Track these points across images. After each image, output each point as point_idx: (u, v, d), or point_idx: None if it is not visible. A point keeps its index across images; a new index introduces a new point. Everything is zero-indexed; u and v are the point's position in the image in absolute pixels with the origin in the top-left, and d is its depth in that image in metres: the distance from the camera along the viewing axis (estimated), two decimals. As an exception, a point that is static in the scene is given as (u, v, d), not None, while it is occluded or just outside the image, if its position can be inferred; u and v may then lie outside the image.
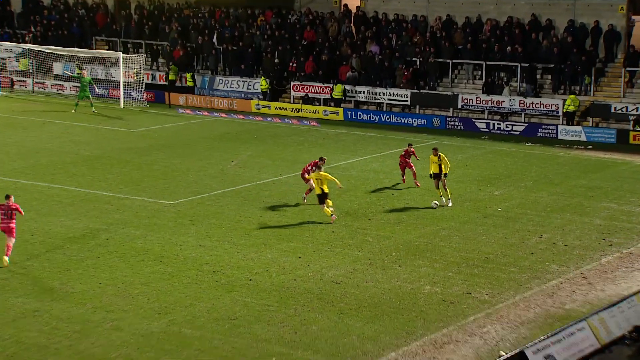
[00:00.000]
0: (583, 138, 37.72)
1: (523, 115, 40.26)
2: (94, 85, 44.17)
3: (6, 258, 20.09)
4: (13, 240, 20.27)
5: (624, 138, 37.05)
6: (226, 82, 46.90)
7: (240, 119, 42.95)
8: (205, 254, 21.21)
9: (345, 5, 47.60)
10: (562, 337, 15.59)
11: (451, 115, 41.48)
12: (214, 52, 47.64)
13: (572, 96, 38.59)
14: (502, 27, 42.68)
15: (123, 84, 45.69)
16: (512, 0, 43.03)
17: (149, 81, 47.95)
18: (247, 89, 46.34)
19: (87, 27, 52.81)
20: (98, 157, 32.47)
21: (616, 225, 24.35)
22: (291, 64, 45.61)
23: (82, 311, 17.38)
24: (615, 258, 21.57)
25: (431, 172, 26.12)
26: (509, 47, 41.21)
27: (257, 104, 44.92)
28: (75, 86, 47.39)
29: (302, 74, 45.13)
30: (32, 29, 53.90)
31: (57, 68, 50.30)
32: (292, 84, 45.29)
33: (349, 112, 42.87)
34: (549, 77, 40.87)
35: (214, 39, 48.65)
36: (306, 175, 25.81)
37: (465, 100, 41.34)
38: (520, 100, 40.03)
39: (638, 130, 37.15)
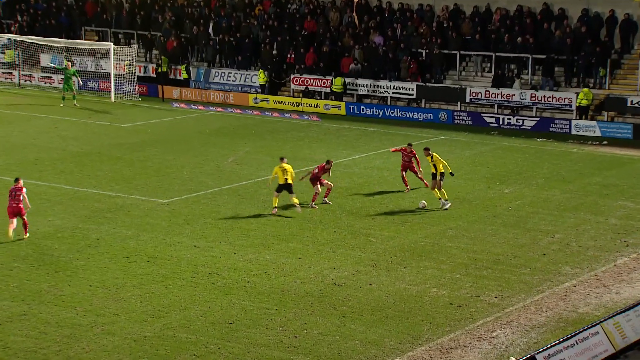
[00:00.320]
0: (598, 133, 37.74)
1: (534, 109, 40.28)
2: (78, 78, 44.19)
3: (27, 235, 22.24)
4: (24, 218, 22.24)
5: (641, 133, 37.11)
6: (222, 74, 46.93)
7: (237, 113, 42.97)
8: (201, 255, 21.25)
9: (348, -7, 47.64)
10: (575, 342, 15.63)
11: (459, 109, 41.50)
12: (211, 42, 47.63)
13: (585, 90, 38.61)
14: (513, 17, 42.68)
15: (114, 77, 45.72)
16: (523, -12, 43.05)
17: (141, 74, 47.98)
18: (245, 81, 46.37)
19: (76, 16, 52.83)
20: (88, 153, 32.50)
21: (632, 225, 24.38)
22: (290, 55, 45.62)
23: (71, 315, 17.42)
24: (632, 259, 21.60)
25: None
26: (519, 38, 41.22)
27: (255, 98, 44.94)
28: (64, 78, 47.47)
29: (302, 66, 45.14)
30: (18, 19, 53.92)
31: (45, 60, 50.33)
32: (292, 76, 45.30)
33: (351, 107, 42.87)
34: (562, 69, 40.87)
35: (210, 30, 48.67)
36: (320, 178, 25.91)
37: (474, 94, 41.35)
38: (531, 94, 40.05)
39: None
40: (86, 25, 52.61)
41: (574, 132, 38.11)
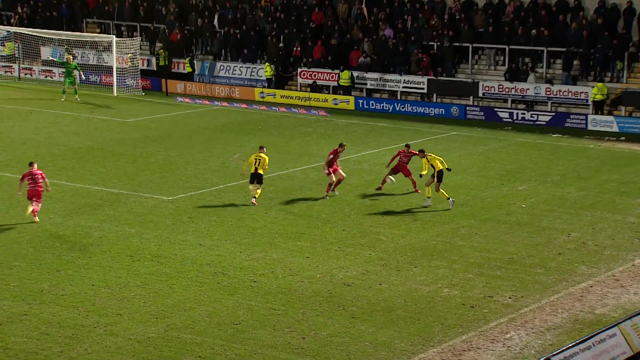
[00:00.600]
0: (615, 129, 37.64)
1: (549, 104, 40.20)
2: (80, 72, 44.28)
3: (36, 219, 23.25)
4: (40, 204, 23.28)
5: (660, 129, 37.00)
6: (227, 68, 46.98)
7: (243, 108, 43.00)
8: (206, 254, 21.29)
9: (357, -16, 47.59)
10: (591, 344, 15.60)
11: (471, 104, 41.44)
12: (218, 35, 47.63)
13: (600, 84, 38.51)
14: (527, 9, 42.59)
15: (116, 70, 45.79)
16: (538, -21, 42.92)
17: (145, 67, 48.04)
18: (251, 75, 46.41)
19: (78, 8, 52.92)
20: (89, 149, 32.57)
21: (651, 223, 24.33)
22: (297, 48, 45.61)
23: (73, 315, 17.47)
24: (650, 259, 21.56)
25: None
26: (534, 30, 41.12)
27: (261, 92, 44.97)
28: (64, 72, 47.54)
29: (310, 59, 45.14)
30: (19, 10, 54.02)
31: (46, 53, 50.44)
32: (299, 70, 45.31)
33: (360, 101, 42.87)
34: (578, 62, 40.76)
35: (215, 22, 48.70)
36: (329, 168, 26.10)
37: (487, 88, 41.29)
38: (546, 88, 39.97)
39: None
40: (88, 17, 52.72)
41: (590, 127, 38.01)
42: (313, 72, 44.83)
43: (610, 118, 37.99)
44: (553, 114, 39.30)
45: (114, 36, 46.93)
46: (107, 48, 47.76)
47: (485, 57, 43.07)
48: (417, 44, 43.31)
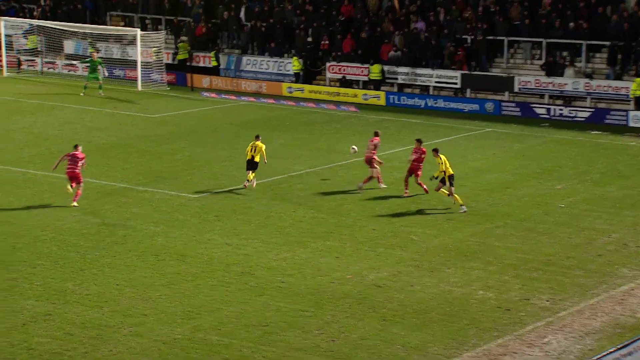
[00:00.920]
0: (657, 125, 37.27)
1: (589, 99, 39.86)
2: (104, 69, 44.56)
3: (74, 203, 24.45)
4: (81, 186, 24.62)
5: None
6: (254, 62, 47.07)
7: (270, 103, 43.08)
8: (233, 253, 21.37)
9: (388, -24, 47.53)
10: (632, 350, 15.46)
11: (506, 99, 41.20)
12: (245, 28, 47.74)
13: (638, 79, 38.10)
14: (565, 0, 42.25)
15: (141, 65, 46.04)
16: (577, -31, 42.60)
17: (170, 61, 48.26)
18: (278, 70, 46.46)
19: (102, 0, 53.25)
20: (114, 146, 32.81)
21: (695, 224, 24.07)
22: (326, 42, 45.58)
23: (97, 315, 17.62)
24: (694, 261, 21.33)
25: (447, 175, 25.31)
26: (572, 23, 40.80)
27: (289, 87, 45.02)
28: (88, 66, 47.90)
29: (339, 53, 45.11)
30: (42, 3, 54.51)
31: (69, 46, 50.86)
32: (328, 64, 45.30)
33: (391, 97, 42.78)
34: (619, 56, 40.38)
35: (241, 14, 48.82)
36: (373, 157, 26.48)
37: (523, 83, 41.03)
38: (585, 83, 39.63)
39: None
40: (112, 10, 53.07)
41: (631, 124, 37.65)
42: (342, 66, 44.79)
43: (653, 114, 37.61)
44: (592, 110, 38.96)
45: (139, 29, 47.17)
46: (132, 42, 48.04)
47: (522, 50, 42.80)
48: (450, 37, 43.13)
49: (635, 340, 15.76)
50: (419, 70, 43.08)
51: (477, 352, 16.38)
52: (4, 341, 16.41)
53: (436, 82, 42.83)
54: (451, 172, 24.96)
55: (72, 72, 49.92)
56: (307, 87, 44.76)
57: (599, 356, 15.24)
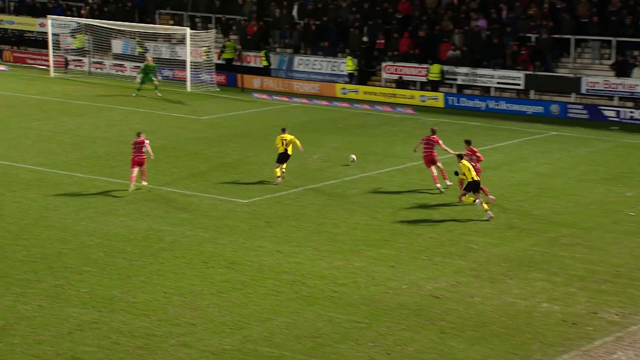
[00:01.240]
0: None
1: (661, 101, 39.24)
2: (158, 73, 44.98)
3: (144, 182, 27.08)
4: (144, 169, 27.17)
5: None
6: (307, 62, 47.22)
7: (323, 105, 43.15)
8: (284, 261, 21.43)
9: (447, -29, 47.33)
10: None
11: (573, 101, 40.77)
12: (297, 27, 47.91)
13: None
14: (636, -4, 41.69)
15: (190, 65, 46.49)
16: (649, -37, 41.97)
17: (220, 61, 48.65)
18: (332, 70, 46.55)
19: (150, -2, 53.89)
20: (162, 148, 33.13)
21: None
22: (381, 41, 45.52)
23: (145, 324, 17.80)
24: None
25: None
26: (644, 20, 40.23)
27: (343, 88, 45.05)
28: (138, 66, 48.51)
29: (396, 52, 45.03)
30: (89, 1, 55.33)
31: (117, 46, 51.57)
32: (384, 64, 45.25)
33: (450, 98, 42.58)
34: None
35: (294, 12, 49.01)
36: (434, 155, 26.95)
37: (591, 84, 40.53)
38: (657, 84, 39.04)
39: None
40: (161, 8, 53.66)
41: None
42: (399, 66, 44.71)
43: None
44: (665, 112, 38.35)
45: (188, 28, 47.65)
46: (181, 41, 48.54)
47: (589, 50, 42.26)
48: (513, 35, 42.77)
49: None
50: (480, 71, 42.80)
51: (541, 368, 16.20)
52: (50, 350, 16.67)
53: (498, 83, 42.54)
54: (476, 178, 24.86)
55: (120, 73, 50.63)
56: (361, 88, 44.75)
57: (671, 375, 14.96)
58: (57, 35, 51.64)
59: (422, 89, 44.01)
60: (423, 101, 43.05)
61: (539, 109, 40.66)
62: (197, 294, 19.32)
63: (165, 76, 48.18)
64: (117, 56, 51.70)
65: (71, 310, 18.41)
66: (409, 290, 19.68)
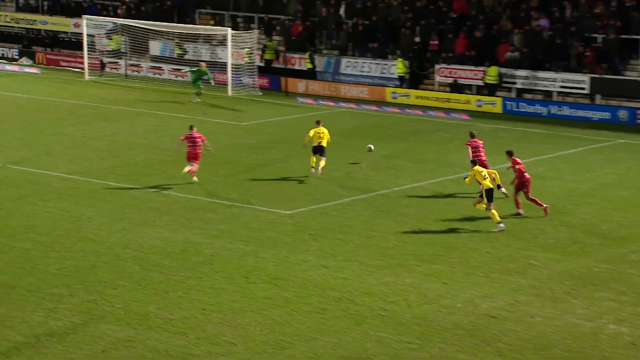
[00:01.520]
0: None
1: None
2: (211, 81, 45.24)
3: (195, 178, 28.70)
4: (197, 165, 28.65)
5: None
6: (355, 64, 47.25)
7: (372, 110, 43.11)
8: (330, 277, 21.41)
9: (506, -33, 47.10)
10: None
11: (642, 106, 40.38)
12: (345, 27, 47.95)
13: None
14: None
15: (231, 67, 46.75)
16: None
17: (262, 64, 48.87)
18: (381, 73, 46.52)
19: (190, -3, 54.30)
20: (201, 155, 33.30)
21: None
22: (435, 41, 45.38)
23: (182, 342, 17.88)
24: None
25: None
26: None
27: (393, 93, 44.99)
28: (176, 69, 48.93)
29: (450, 54, 44.89)
30: (126, 0, 55.91)
31: (154, 47, 52.04)
32: (437, 67, 45.11)
33: (508, 103, 42.37)
34: None
35: (341, 11, 49.08)
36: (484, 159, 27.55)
37: (661, 88, 40.07)
38: None
39: None
40: (201, 7, 54.06)
41: None
42: (454, 69, 44.54)
43: None
44: None
45: (230, 28, 47.95)
46: (222, 42, 48.86)
47: (661, 51, 41.81)
48: (578, 35, 42.40)
49: None
50: (541, 74, 42.51)
51: (607, 395, 15.99)
52: (82, 368, 16.82)
53: (561, 86, 42.23)
54: (489, 185, 24.72)
55: (157, 76, 51.08)
56: (413, 92, 44.67)
57: None
58: (92, 36, 52.22)
59: (478, 93, 43.78)
60: (479, 106, 42.83)
61: (606, 114, 40.28)
62: (238, 311, 19.37)
63: (205, 80, 48.48)
64: (154, 58, 52.19)
65: (105, 327, 18.55)
66: (463, 309, 19.56)
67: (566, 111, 41.11)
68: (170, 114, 41.55)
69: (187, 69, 46.94)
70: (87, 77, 50.85)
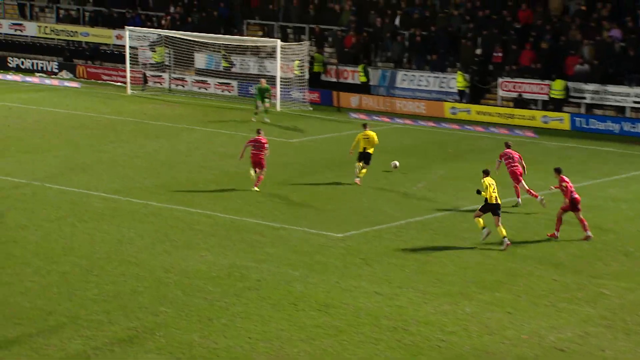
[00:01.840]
0: None
1: None
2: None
3: (256, 188, 30.07)
4: (264, 171, 30.21)
5: None
6: (411, 78, 47.24)
7: (430, 126, 43.02)
8: (384, 304, 21.33)
9: (574, -26, 46.88)
10: None
11: None
12: (401, 38, 47.99)
13: None
14: None
15: (280, 81, 46.96)
16: None
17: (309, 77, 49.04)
18: (440, 87, 46.46)
19: (238, 6, 54.63)
20: (247, 175, 33.47)
21: None
22: (497, 54, 45.21)
23: (226, 373, 17.93)
24: None
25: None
26: None
27: (453, 108, 44.88)
28: (222, 83, 49.25)
29: (514, 67, 44.68)
30: (171, 10, 56.49)
31: (200, 60, 52.47)
32: (500, 80, 44.91)
33: (577, 119, 42.07)
34: None
35: (397, 21, 49.12)
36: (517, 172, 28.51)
37: None
38: None
39: None
40: (249, 17, 54.44)
41: None
42: (518, 82, 44.34)
43: None
44: None
45: (279, 40, 48.19)
46: (271, 54, 49.13)
47: None
48: (652, 47, 41.98)
49: None
50: (612, 88, 42.14)
51: None
52: (121, 399, 16.92)
53: (634, 102, 41.83)
54: (493, 201, 24.92)
55: (203, 90, 51.49)
56: (474, 107, 44.51)
57: None
58: (135, 48, 52.77)
59: (544, 109, 43.50)
60: (546, 122, 42.55)
61: (683, 132, 39.86)
62: (286, 340, 19.36)
63: (252, 94, 48.76)
64: (200, 71, 52.61)
65: (146, 356, 18.65)
66: (528, 341, 19.38)
67: (640, 128, 40.82)
68: (215, 130, 41.84)
69: (252, 88, 46.71)
70: (129, 91, 51.42)
